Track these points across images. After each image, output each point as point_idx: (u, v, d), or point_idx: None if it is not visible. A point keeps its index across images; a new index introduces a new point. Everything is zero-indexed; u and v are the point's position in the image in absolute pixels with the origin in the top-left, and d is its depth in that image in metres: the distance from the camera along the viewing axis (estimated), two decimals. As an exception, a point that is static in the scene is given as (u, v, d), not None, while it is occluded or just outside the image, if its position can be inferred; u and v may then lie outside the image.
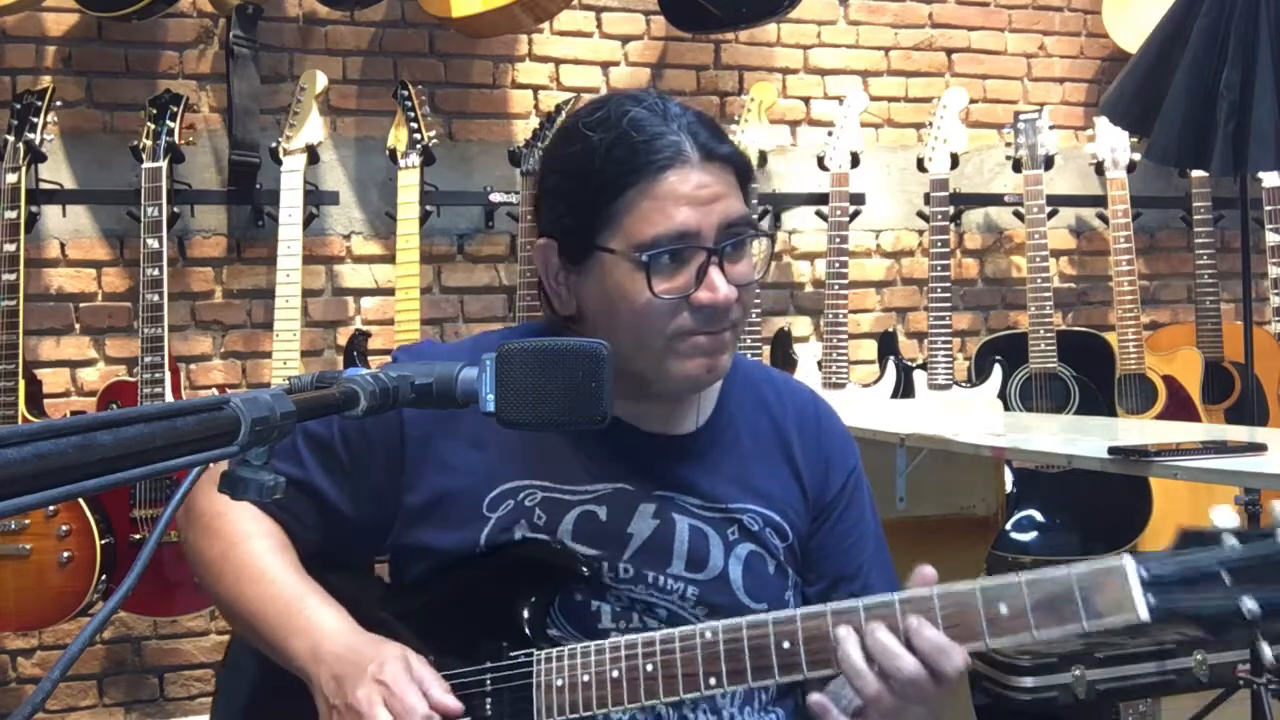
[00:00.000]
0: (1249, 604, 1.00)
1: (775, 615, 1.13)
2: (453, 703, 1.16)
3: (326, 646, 1.19)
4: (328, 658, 1.18)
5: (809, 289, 3.86)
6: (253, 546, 1.28)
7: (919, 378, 3.56)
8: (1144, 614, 1.02)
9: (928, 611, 1.08)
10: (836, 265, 3.53)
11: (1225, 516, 1.03)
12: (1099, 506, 3.51)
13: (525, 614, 1.23)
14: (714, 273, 1.19)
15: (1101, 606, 1.03)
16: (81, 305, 3.29)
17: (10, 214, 2.95)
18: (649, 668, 1.15)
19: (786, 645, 1.12)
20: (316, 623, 1.21)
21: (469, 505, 1.27)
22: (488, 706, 1.20)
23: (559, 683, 1.18)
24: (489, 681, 1.21)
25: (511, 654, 1.21)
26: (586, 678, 1.17)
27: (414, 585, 1.29)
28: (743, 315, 1.24)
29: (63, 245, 3.27)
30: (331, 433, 1.31)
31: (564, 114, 3.39)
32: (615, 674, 1.16)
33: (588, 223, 1.21)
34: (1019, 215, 3.75)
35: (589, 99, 1.32)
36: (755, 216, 1.32)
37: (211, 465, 1.26)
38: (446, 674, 1.22)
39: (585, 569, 1.24)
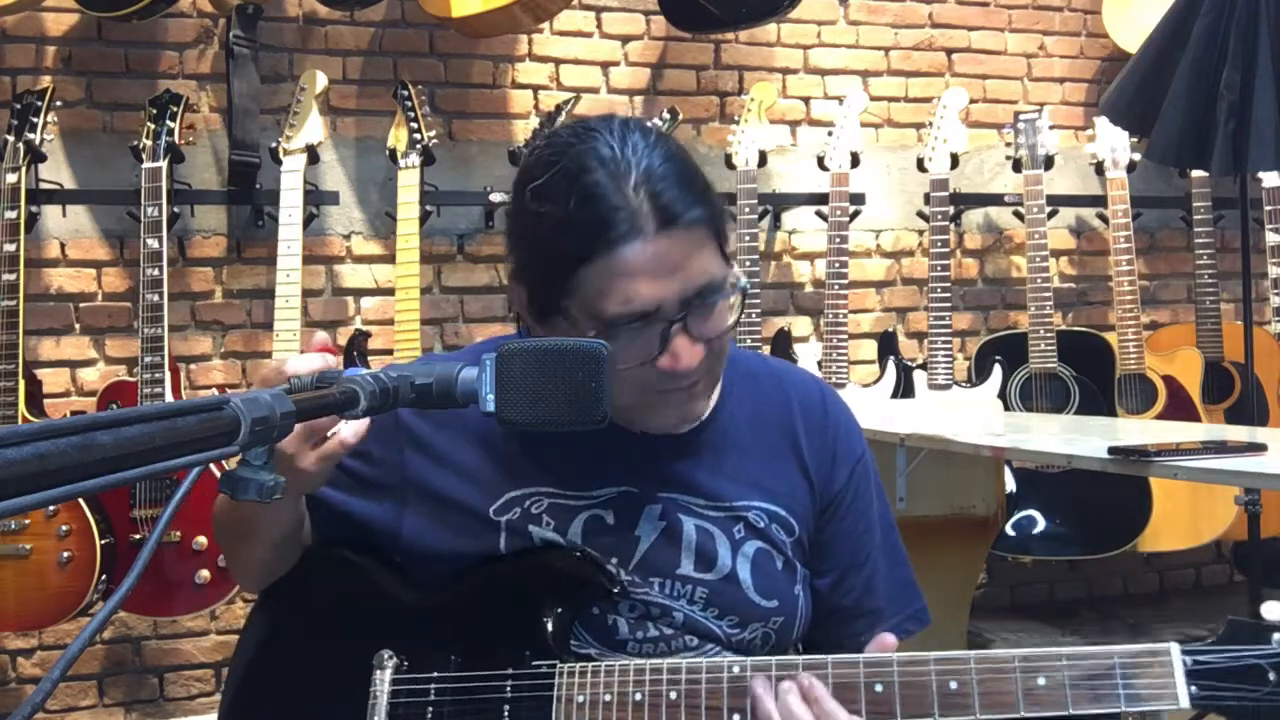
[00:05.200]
0: None
1: (805, 659, 1.13)
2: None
3: None
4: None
5: (809, 289, 3.86)
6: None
7: (919, 378, 3.56)
8: (1185, 703, 1.01)
9: (962, 674, 1.07)
10: (836, 265, 3.53)
11: (1276, 610, 1.02)
12: (1099, 506, 3.51)
13: (550, 625, 1.22)
14: (677, 341, 1.15)
15: (1142, 690, 1.02)
16: (81, 305, 3.29)
17: (10, 214, 2.95)
18: (673, 695, 1.14)
19: None
20: None
21: (476, 514, 1.26)
22: (506, 713, 1.20)
23: (580, 699, 1.17)
24: (509, 689, 1.20)
25: (534, 663, 1.20)
26: (609, 697, 1.16)
27: (437, 581, 1.28)
28: (717, 361, 1.22)
29: (63, 245, 3.27)
30: None
31: (564, 114, 3.39)
32: (638, 697, 1.15)
33: (549, 286, 1.17)
34: (1019, 215, 3.75)
35: (553, 133, 1.23)
36: (730, 271, 1.24)
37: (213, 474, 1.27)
38: (464, 675, 1.22)
39: (612, 583, 1.23)
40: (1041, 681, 1.05)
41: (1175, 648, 1.03)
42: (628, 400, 1.18)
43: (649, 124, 1.23)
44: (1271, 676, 1.00)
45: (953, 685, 1.07)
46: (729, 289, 1.18)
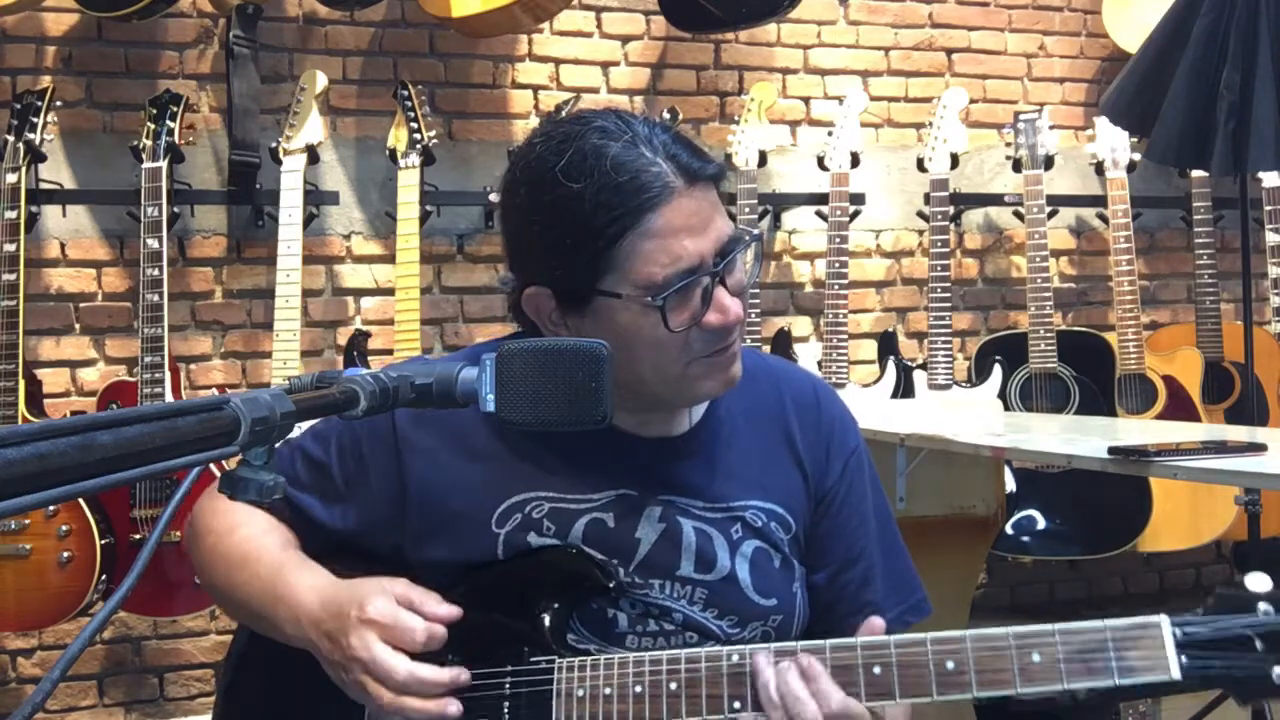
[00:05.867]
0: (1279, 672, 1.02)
1: (804, 644, 1.13)
2: (448, 610, 1.17)
3: (307, 609, 1.19)
4: (313, 619, 1.18)
5: (809, 289, 3.86)
6: (240, 534, 1.30)
7: (919, 378, 3.56)
8: (1176, 674, 1.03)
9: (959, 654, 1.08)
10: (836, 265, 3.53)
11: (1260, 582, 1.05)
12: (1099, 506, 3.51)
13: (547, 621, 1.22)
14: (719, 293, 1.18)
15: (1135, 663, 1.04)
16: (81, 305, 3.28)
17: (10, 214, 2.95)
18: (673, 685, 1.14)
19: None
20: (294, 588, 1.21)
21: (477, 522, 1.27)
22: (505, 710, 1.20)
23: (580, 693, 1.18)
24: (508, 685, 1.20)
25: (533, 659, 1.21)
26: (609, 690, 1.16)
27: (434, 583, 1.28)
28: (743, 321, 1.24)
29: (63, 245, 3.27)
30: (328, 455, 1.31)
31: (564, 115, 3.39)
32: (638, 689, 1.15)
33: (586, 271, 1.17)
34: (1019, 215, 3.75)
35: (546, 130, 1.23)
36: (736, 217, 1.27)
37: (213, 474, 1.28)
38: None
39: (608, 578, 1.23)
40: (1036, 658, 1.06)
41: (1165, 620, 1.04)
42: (676, 371, 1.21)
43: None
44: (1258, 645, 1.02)
45: (949, 665, 1.08)
46: (747, 240, 1.22)
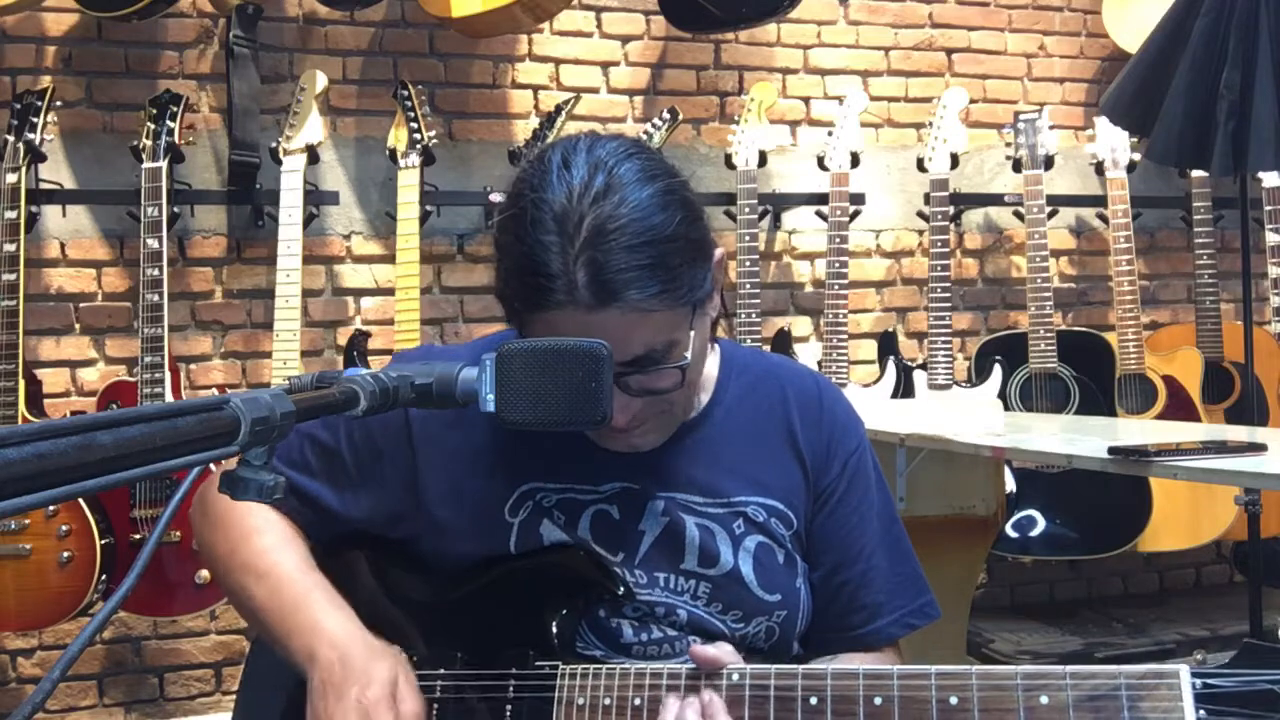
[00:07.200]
0: None
1: (805, 669, 1.12)
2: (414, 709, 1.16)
3: (323, 650, 1.19)
4: (321, 661, 1.18)
5: (809, 289, 3.86)
6: (260, 542, 1.29)
7: (919, 378, 3.56)
8: None
9: (963, 690, 1.05)
10: (836, 265, 3.53)
11: None
12: (1099, 506, 3.51)
13: (555, 626, 1.23)
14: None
15: (1148, 714, 0.99)
16: (81, 305, 3.29)
17: (10, 214, 2.95)
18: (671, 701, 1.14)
19: (814, 701, 1.10)
20: (317, 623, 1.21)
21: (491, 513, 1.27)
22: (507, 713, 1.20)
23: (580, 701, 1.18)
24: (511, 689, 1.21)
25: (537, 664, 1.21)
26: (608, 701, 1.17)
27: (445, 578, 1.29)
28: (668, 404, 1.21)
29: (63, 245, 3.27)
30: (338, 441, 1.31)
31: (564, 115, 3.39)
32: (638, 701, 1.16)
33: (508, 311, 1.18)
34: (1019, 215, 3.75)
35: (534, 158, 1.19)
36: (699, 295, 1.20)
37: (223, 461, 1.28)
38: (469, 673, 1.22)
39: (615, 584, 1.23)
40: (1044, 700, 1.02)
41: (1185, 670, 0.99)
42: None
43: (632, 155, 1.16)
44: None
45: (953, 700, 1.05)
46: (673, 358, 1.15)
